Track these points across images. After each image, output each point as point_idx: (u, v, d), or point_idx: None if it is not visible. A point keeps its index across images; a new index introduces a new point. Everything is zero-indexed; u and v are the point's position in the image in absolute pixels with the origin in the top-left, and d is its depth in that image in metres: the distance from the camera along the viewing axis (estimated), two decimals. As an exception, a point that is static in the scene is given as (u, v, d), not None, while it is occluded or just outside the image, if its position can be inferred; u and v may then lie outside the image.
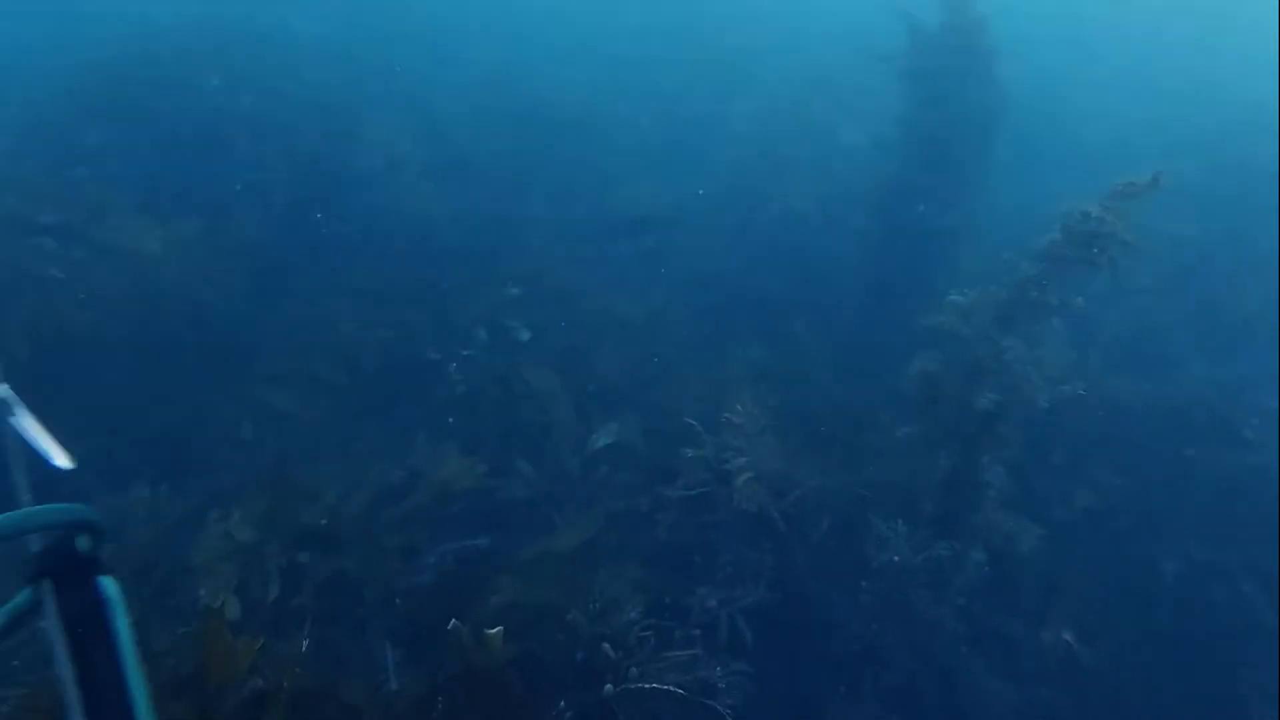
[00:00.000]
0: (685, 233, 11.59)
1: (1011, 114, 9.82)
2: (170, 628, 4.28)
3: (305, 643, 4.42)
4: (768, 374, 8.45)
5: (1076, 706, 5.72)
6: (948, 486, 6.16)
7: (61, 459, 1.75)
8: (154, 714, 1.49)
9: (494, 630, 4.16)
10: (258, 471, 6.26)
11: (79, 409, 6.84)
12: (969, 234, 9.72)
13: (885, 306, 9.41)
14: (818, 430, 7.50)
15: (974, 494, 6.16)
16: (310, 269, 9.35)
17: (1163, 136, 11.63)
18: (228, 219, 9.56)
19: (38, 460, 1.69)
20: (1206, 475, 7.00)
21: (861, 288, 10.17)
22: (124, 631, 1.55)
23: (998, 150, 9.88)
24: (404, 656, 4.93)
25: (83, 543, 1.66)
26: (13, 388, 1.81)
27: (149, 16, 14.06)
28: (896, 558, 5.75)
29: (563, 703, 4.43)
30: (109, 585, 1.60)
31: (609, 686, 4.40)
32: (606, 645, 4.63)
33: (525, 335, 8.36)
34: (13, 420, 1.86)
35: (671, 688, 4.51)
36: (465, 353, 7.91)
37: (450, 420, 7.23)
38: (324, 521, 5.91)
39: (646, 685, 4.42)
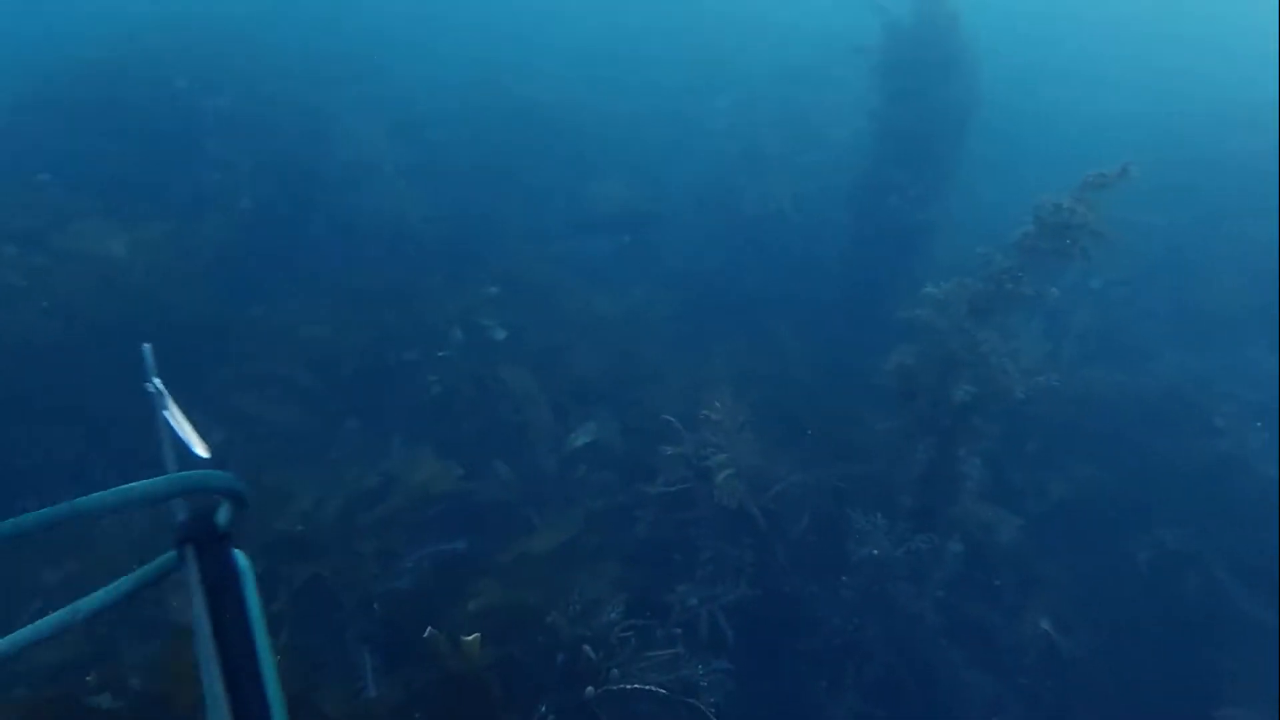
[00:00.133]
0: (664, 229, 11.58)
1: (986, 108, 9.89)
2: (141, 645, 4.20)
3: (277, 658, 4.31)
4: (747, 370, 8.44)
5: (1055, 696, 5.77)
6: (926, 479, 6.18)
7: (201, 449, 1.86)
8: (278, 678, 1.57)
9: (471, 637, 4.10)
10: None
11: (43, 418, 6.71)
12: (946, 228, 9.78)
13: (863, 301, 9.45)
14: (797, 425, 7.50)
15: (952, 486, 6.18)
16: (282, 271, 9.23)
17: (1135, 130, 11.75)
18: (197, 221, 9.40)
19: (184, 448, 1.85)
20: (1179, 464, 7.08)
21: (840, 282, 10.20)
22: (253, 600, 1.63)
23: (974, 144, 9.94)
24: (382, 663, 4.86)
25: (222, 516, 1.74)
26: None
27: (117, 18, 13.81)
28: (876, 551, 5.76)
29: (544, 706, 4.39)
30: (241, 558, 1.68)
31: (590, 689, 4.37)
32: (587, 647, 4.60)
33: (501, 334, 8.30)
34: (164, 413, 1.99)
35: (653, 688, 4.48)
36: (441, 353, 7.84)
37: (426, 422, 7.15)
38: (299, 527, 5.82)
39: (628, 686, 4.39)
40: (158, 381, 2.04)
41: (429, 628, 4.25)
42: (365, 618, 5.27)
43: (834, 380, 8.43)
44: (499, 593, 5.32)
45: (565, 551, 5.89)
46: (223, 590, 1.60)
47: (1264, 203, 9.76)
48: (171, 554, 1.66)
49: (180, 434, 1.92)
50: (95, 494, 1.45)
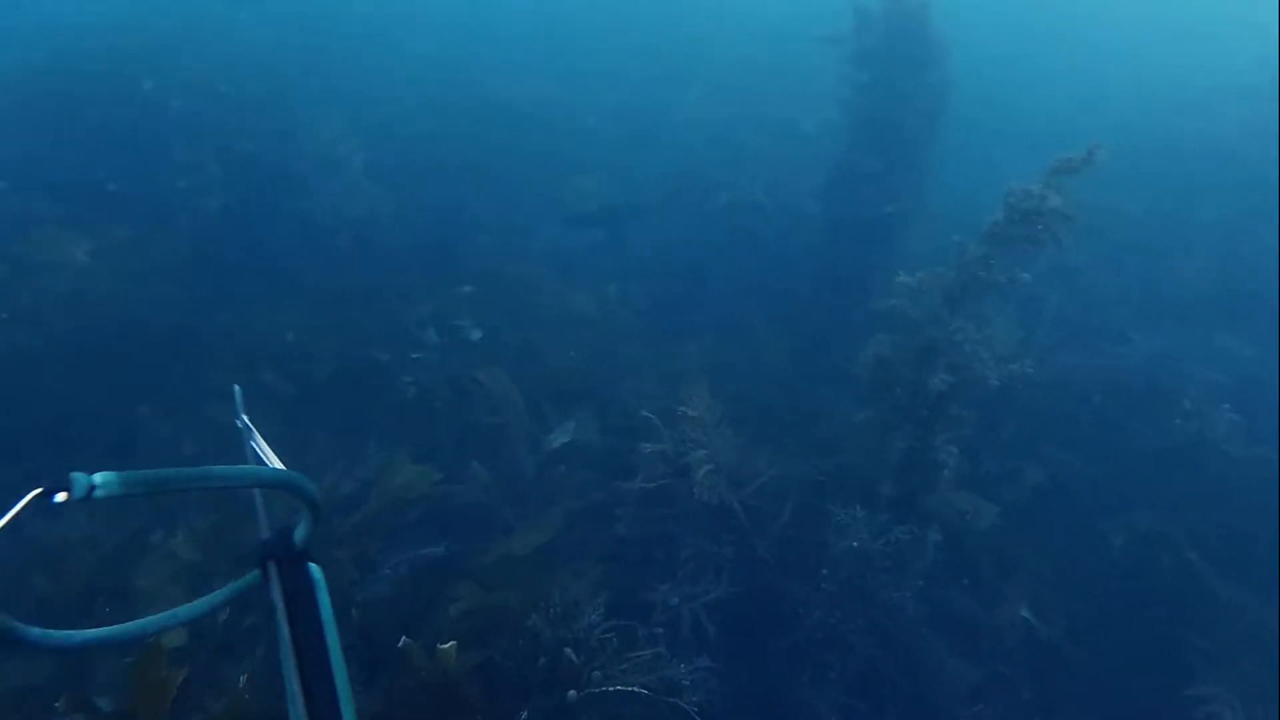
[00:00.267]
0: (638, 225, 11.53)
1: (958, 97, 9.92)
2: (112, 661, 4.11)
3: (243, 678, 4.25)
4: (724, 363, 8.45)
5: (1035, 682, 5.83)
6: (904, 469, 6.20)
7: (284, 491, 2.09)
8: (349, 683, 1.81)
9: (447, 645, 4.06)
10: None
11: (7, 430, 6.56)
12: (920, 217, 9.82)
13: (839, 291, 9.47)
14: (775, 419, 7.52)
15: (930, 475, 6.21)
16: (252, 275, 9.08)
17: (1104, 117, 11.88)
18: (162, 226, 9.24)
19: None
20: (1150, 447, 7.17)
21: (815, 273, 10.22)
22: (327, 610, 1.89)
23: (947, 133, 9.97)
24: (361, 673, 4.80)
25: (299, 533, 2.03)
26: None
27: (77, 20, 13.51)
28: (856, 543, 5.77)
29: (525, 711, 4.36)
30: (316, 570, 1.96)
31: (572, 692, 4.34)
32: (569, 649, 4.57)
33: (477, 334, 8.23)
34: (252, 444, 2.36)
35: (636, 688, 4.46)
36: (415, 355, 7.75)
37: (402, 425, 7.07)
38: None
39: (610, 688, 4.37)
40: (245, 418, 2.43)
41: (403, 638, 4.20)
42: (343, 627, 5.19)
43: (811, 372, 8.45)
44: (479, 596, 5.27)
45: (545, 553, 5.85)
46: (300, 599, 1.89)
47: (1223, 188, 9.95)
48: (256, 570, 2.00)
49: (267, 464, 2.28)
50: (223, 466, 1.81)
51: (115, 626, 1.85)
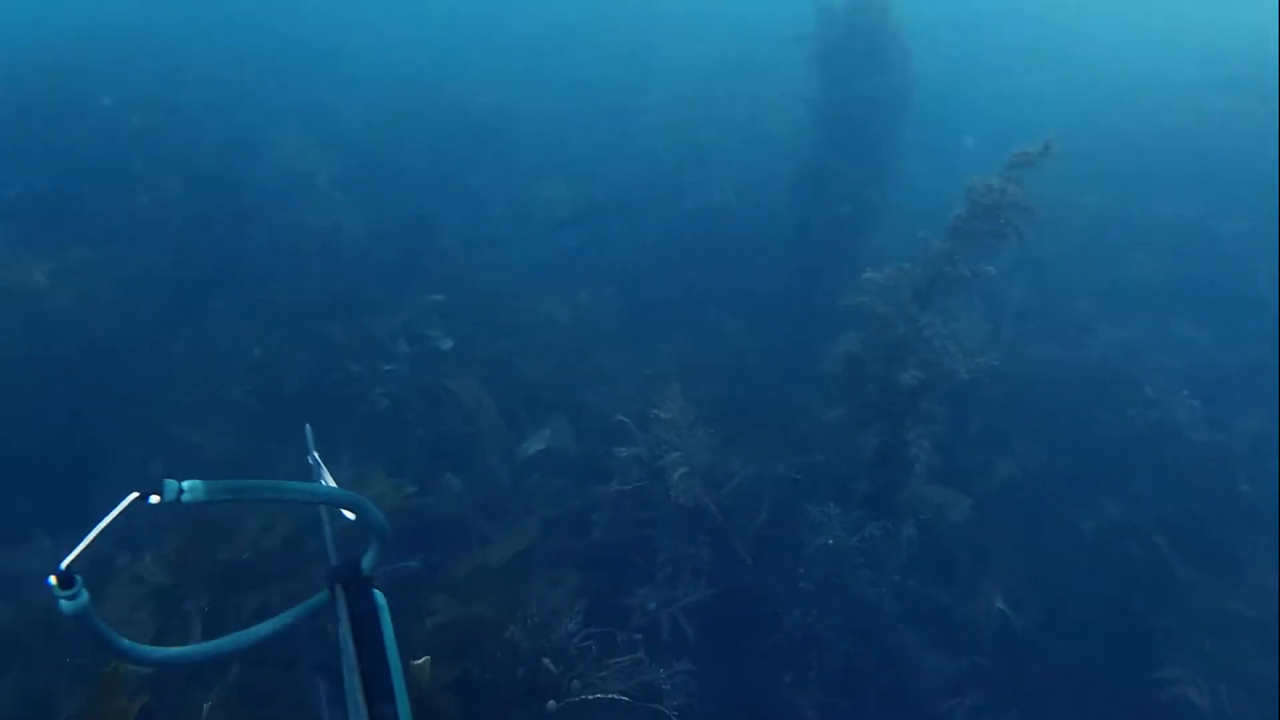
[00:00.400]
0: (608, 228, 11.52)
1: (921, 94, 10.03)
2: (76, 694, 4.03)
3: (207, 706, 4.18)
4: (697, 365, 8.46)
5: (1010, 671, 5.90)
6: (877, 465, 6.26)
7: (349, 513, 2.23)
8: (408, 702, 1.95)
9: (420, 660, 4.02)
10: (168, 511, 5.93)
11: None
12: (888, 214, 9.91)
13: (809, 290, 9.52)
14: (749, 419, 7.54)
15: (903, 470, 6.27)
16: (217, 291, 8.94)
17: (1062, 114, 12.03)
18: (123, 245, 9.07)
19: (336, 512, 2.27)
20: (1116, 435, 7.30)
21: (785, 272, 10.27)
22: (389, 632, 2.04)
23: (912, 130, 10.08)
24: (337, 692, 4.74)
25: (366, 562, 2.18)
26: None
27: (29, 35, 13.24)
28: (832, 541, 5.81)
29: (505, 723, 4.34)
30: (379, 596, 2.12)
31: (551, 703, 4.32)
32: (547, 660, 4.55)
33: (448, 344, 8.17)
34: (321, 482, 2.51)
35: (615, 695, 4.45)
36: (387, 367, 7.68)
37: (375, 438, 7.00)
38: (245, 556, 5.65)
39: (590, 696, 4.36)
40: (316, 455, 2.62)
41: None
42: (319, 646, 5.14)
43: (783, 370, 8.49)
44: (456, 608, 5.23)
45: (522, 562, 5.83)
46: (365, 622, 2.02)
47: (1176, 181, 10.21)
48: (325, 592, 2.14)
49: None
50: (296, 482, 2.05)
51: (192, 646, 2.10)
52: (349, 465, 6.68)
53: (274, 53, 14.76)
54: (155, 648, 1.96)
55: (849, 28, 9.78)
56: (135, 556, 5.34)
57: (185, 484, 1.73)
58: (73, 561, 1.69)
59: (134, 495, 1.69)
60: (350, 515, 2.26)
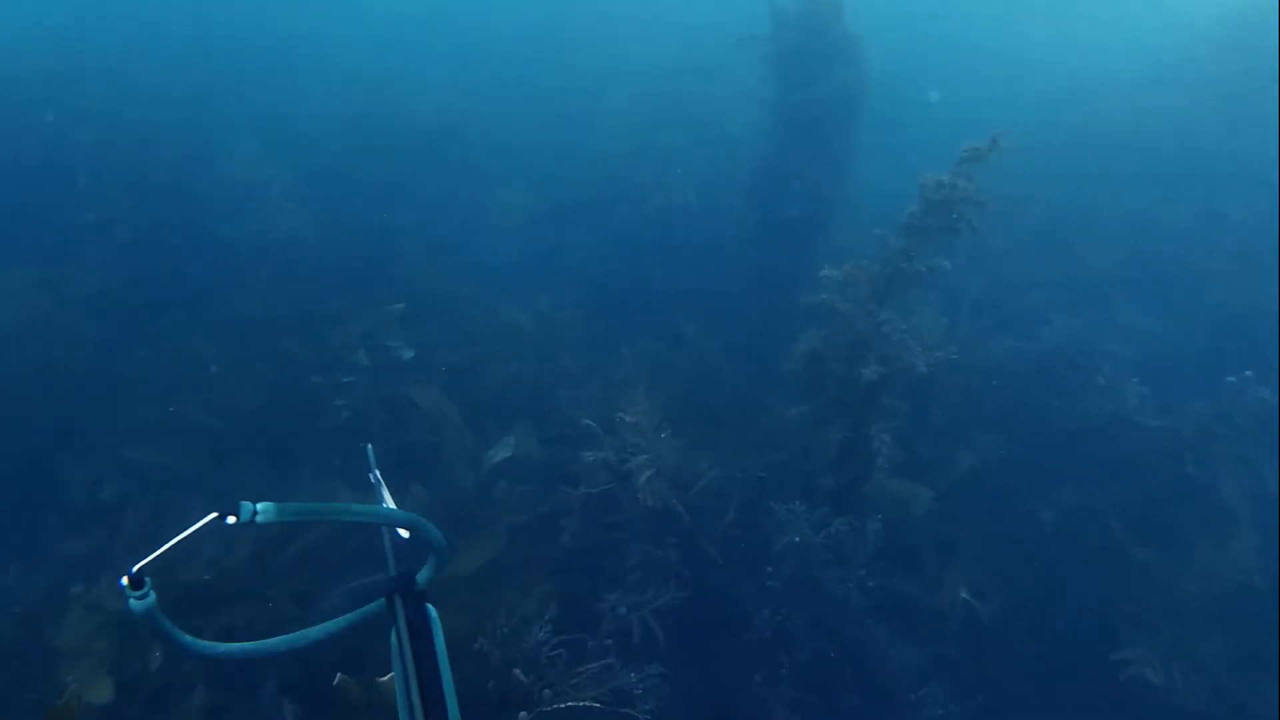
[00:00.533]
0: (568, 232, 11.49)
1: (876, 92, 10.14)
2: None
3: None
4: (661, 367, 8.49)
5: (976, 660, 6.01)
6: (841, 460, 6.33)
7: (404, 531, 2.36)
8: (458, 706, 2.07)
9: (386, 677, 3.97)
10: (124, 534, 5.80)
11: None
12: (846, 212, 10.01)
13: (771, 290, 9.58)
14: (714, 419, 7.58)
15: (866, 465, 6.35)
16: (169, 307, 8.73)
17: (1010, 111, 12.30)
18: (71, 263, 8.83)
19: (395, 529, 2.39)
20: (1071, 424, 7.47)
21: (746, 272, 10.33)
22: (441, 644, 2.15)
23: (867, 129, 10.19)
24: (304, 713, 4.68)
25: (422, 576, 2.28)
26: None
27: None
28: (798, 539, 5.86)
29: (477, 736, 4.29)
30: (432, 610, 2.24)
31: (523, 714, 4.30)
32: (518, 670, 4.53)
33: (409, 354, 8.10)
34: (381, 499, 2.63)
35: (587, 702, 4.45)
36: (347, 379, 7.58)
37: (336, 452, 6.90)
38: (207, 577, 5.55)
39: (562, 705, 4.35)
40: (377, 473, 2.76)
41: (338, 675, 4.10)
42: (285, 666, 5.06)
43: (747, 370, 8.55)
44: (424, 623, 5.18)
45: (490, 570, 5.79)
46: (418, 632, 2.14)
47: (1123, 173, 10.51)
48: (382, 600, 2.26)
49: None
50: (361, 504, 2.20)
51: (250, 643, 2.17)
52: (311, 481, 6.59)
53: (223, 61, 14.48)
54: (215, 643, 2.10)
55: (803, 29, 9.88)
56: (91, 584, 5.21)
57: (259, 506, 1.88)
58: (144, 566, 1.87)
59: (213, 515, 1.84)
60: (405, 534, 2.41)
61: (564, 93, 14.43)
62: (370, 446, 2.85)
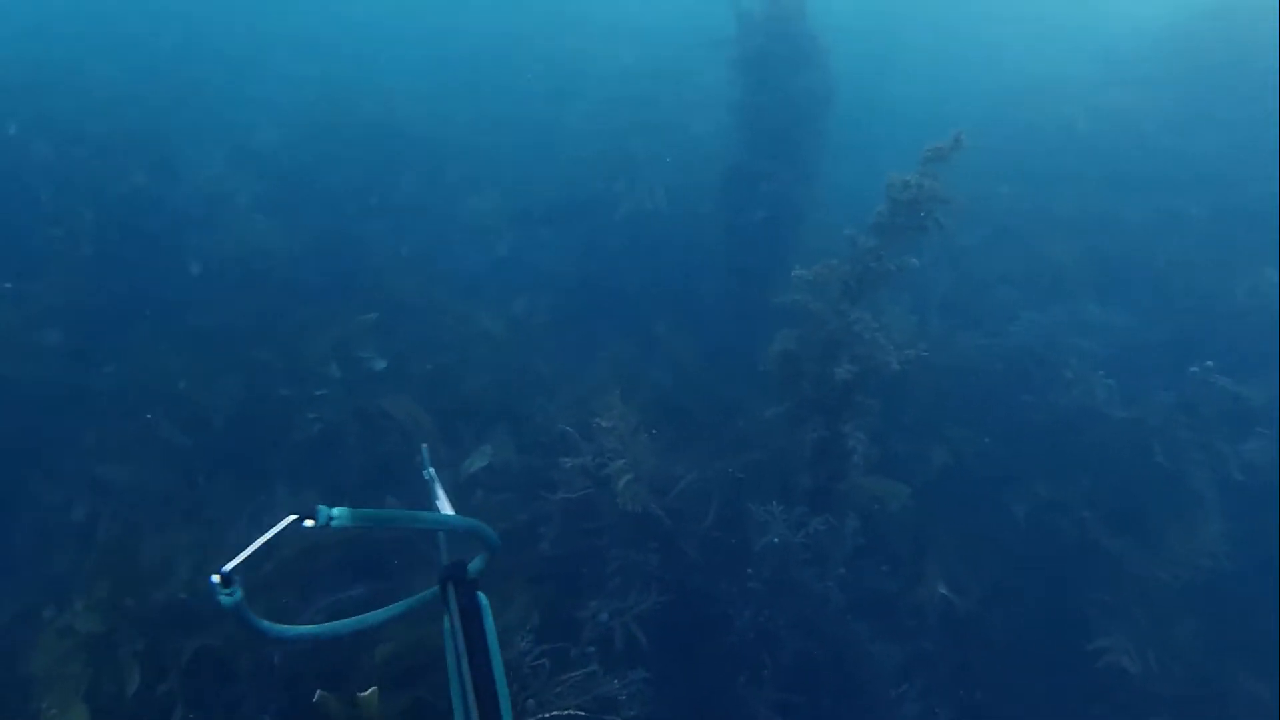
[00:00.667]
0: (540, 238, 11.46)
1: (842, 93, 10.24)
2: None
3: None
4: (637, 371, 8.51)
5: (955, 654, 6.09)
6: (817, 459, 6.37)
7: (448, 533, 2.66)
8: (507, 687, 2.23)
9: (367, 692, 3.95)
10: (96, 554, 5.68)
11: None
12: (815, 213, 10.09)
13: (743, 292, 9.64)
14: (691, 422, 7.61)
15: (841, 463, 6.39)
16: (137, 322, 8.58)
17: (972, 111, 12.48)
18: (34, 279, 8.64)
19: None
20: (1041, 417, 7.59)
21: (719, 275, 10.38)
22: (492, 630, 2.30)
23: (834, 130, 10.28)
24: (285, 730, 4.62)
25: (474, 566, 2.45)
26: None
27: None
28: (777, 539, 5.90)
29: (460, 748, 4.27)
30: (483, 597, 2.38)
31: (507, 723, 4.27)
32: (500, 680, 4.50)
33: (381, 364, 8.04)
34: (436, 500, 2.86)
35: (572, 711, 4.44)
36: (319, 392, 7.50)
37: (310, 465, 6.84)
38: (182, 596, 5.46)
39: (546, 716, 4.33)
40: (432, 470, 3.03)
41: (318, 691, 4.06)
42: (264, 685, 5.00)
43: (722, 372, 8.58)
44: (405, 636, 5.15)
45: (471, 582, 5.76)
46: (470, 619, 2.30)
47: (1084, 171, 10.74)
48: (435, 588, 2.43)
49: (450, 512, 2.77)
50: (426, 512, 2.51)
51: (318, 625, 2.41)
52: (284, 494, 6.51)
53: (189, 71, 14.25)
54: (291, 627, 2.31)
55: (767, 32, 9.96)
56: (64, 607, 5.11)
57: (335, 510, 2.02)
58: (234, 567, 2.06)
59: (292, 517, 1.99)
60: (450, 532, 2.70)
61: (533, 98, 14.38)
62: (425, 446, 3.10)
